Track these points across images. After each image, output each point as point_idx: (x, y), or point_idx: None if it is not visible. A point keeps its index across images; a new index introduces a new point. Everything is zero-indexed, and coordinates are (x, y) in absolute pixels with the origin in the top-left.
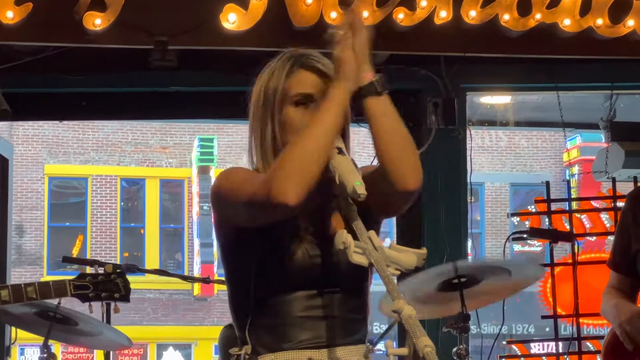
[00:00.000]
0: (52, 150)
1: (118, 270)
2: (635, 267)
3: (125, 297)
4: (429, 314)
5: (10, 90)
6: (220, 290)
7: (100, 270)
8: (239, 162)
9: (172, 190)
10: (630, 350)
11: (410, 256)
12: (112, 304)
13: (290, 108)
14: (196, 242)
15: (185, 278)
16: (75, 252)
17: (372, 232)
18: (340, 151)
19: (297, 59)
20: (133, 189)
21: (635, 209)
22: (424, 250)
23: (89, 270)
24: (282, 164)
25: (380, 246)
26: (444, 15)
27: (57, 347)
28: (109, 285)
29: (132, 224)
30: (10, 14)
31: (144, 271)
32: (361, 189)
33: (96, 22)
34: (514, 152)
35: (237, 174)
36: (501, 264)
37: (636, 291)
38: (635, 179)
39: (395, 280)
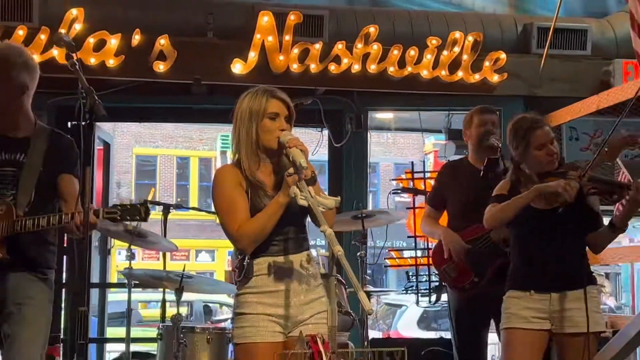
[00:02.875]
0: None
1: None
2: (443, 205)
3: (144, 219)
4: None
5: (111, 105)
6: None
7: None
8: None
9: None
10: (446, 256)
11: (330, 201)
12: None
13: (266, 120)
14: None
15: (212, 212)
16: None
17: (310, 188)
18: None
19: (269, 92)
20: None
21: (445, 174)
22: (338, 198)
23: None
24: (248, 232)
25: (314, 195)
26: (357, 67)
27: (139, 251)
28: (133, 211)
29: None
30: (112, 62)
31: (189, 208)
32: (305, 163)
33: (160, 67)
34: (396, 145)
35: (222, 199)
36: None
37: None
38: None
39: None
